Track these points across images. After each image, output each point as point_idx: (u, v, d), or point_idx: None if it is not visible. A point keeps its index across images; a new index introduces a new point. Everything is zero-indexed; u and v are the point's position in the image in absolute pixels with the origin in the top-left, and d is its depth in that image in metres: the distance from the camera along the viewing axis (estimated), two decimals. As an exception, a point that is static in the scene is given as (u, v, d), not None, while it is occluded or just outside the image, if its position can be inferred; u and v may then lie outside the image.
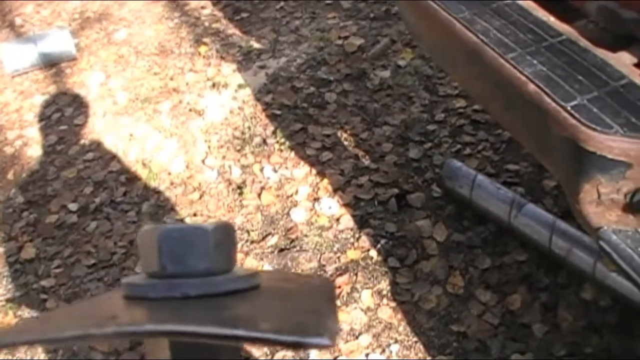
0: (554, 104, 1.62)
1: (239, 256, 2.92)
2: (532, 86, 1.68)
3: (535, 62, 1.75)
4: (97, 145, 3.68)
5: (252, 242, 2.98)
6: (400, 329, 2.60)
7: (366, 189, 3.10)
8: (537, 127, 1.71)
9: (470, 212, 2.91)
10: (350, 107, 3.57)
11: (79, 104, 4.00)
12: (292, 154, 3.36)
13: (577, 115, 1.58)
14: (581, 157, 1.57)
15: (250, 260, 2.89)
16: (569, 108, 1.60)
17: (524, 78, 1.70)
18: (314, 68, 3.88)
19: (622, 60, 1.78)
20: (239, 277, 0.83)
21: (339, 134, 3.42)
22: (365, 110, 3.54)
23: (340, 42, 4.04)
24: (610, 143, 1.54)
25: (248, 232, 3.03)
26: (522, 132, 1.87)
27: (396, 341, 2.56)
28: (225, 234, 0.82)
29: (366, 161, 3.25)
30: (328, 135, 3.42)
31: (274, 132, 3.50)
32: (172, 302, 0.78)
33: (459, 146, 3.24)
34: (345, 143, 3.37)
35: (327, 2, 4.44)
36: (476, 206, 2.87)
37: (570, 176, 1.66)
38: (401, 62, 3.83)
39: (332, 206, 3.05)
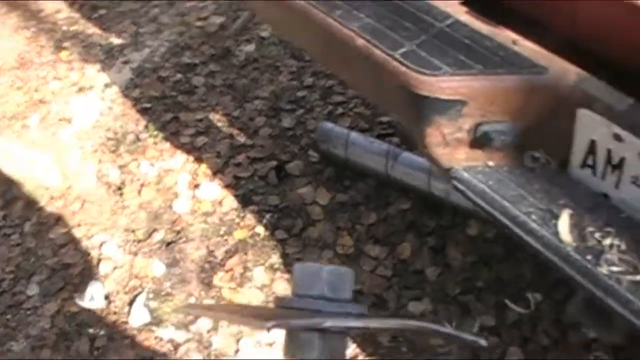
0: (383, 55, 1.63)
1: (128, 258, 2.87)
2: (360, 40, 1.68)
3: (361, 15, 1.75)
4: (-32, 172, 3.55)
5: (138, 241, 2.93)
6: (298, 299, 2.60)
7: (244, 166, 3.08)
8: (373, 81, 1.71)
9: (349, 170, 2.92)
10: (219, 87, 3.54)
11: (-57, 133, 3.84)
12: (167, 144, 3.30)
13: (406, 62, 1.59)
14: (417, 102, 1.59)
15: (139, 260, 2.84)
16: (397, 56, 1.60)
17: (351, 33, 1.70)
18: (177, 54, 3.82)
19: (447, 1, 1.79)
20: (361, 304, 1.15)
21: (211, 116, 3.38)
22: (235, 88, 3.50)
23: (200, 23, 3.98)
24: (441, 84, 1.56)
25: (133, 231, 2.97)
26: (363, 87, 1.88)
27: (295, 312, 2.56)
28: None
29: (241, 139, 3.23)
30: (200, 120, 3.37)
31: (146, 127, 3.43)
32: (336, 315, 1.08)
33: (330, 107, 3.25)
34: (219, 124, 3.34)
35: (184, -15, 4.37)
36: (353, 164, 2.89)
37: (413, 123, 1.67)
38: (264, 34, 3.80)
39: (213, 190, 3.02)
